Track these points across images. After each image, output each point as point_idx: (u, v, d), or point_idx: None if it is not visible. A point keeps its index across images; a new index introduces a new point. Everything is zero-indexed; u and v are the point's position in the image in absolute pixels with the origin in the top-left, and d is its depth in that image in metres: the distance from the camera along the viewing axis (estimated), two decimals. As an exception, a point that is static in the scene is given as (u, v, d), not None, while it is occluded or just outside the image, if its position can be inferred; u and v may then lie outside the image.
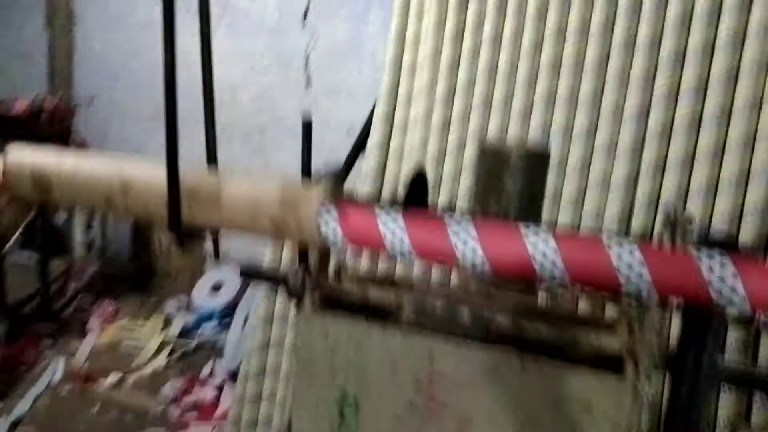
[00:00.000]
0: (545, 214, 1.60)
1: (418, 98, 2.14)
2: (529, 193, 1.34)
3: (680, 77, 1.87)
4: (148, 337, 3.74)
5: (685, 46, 1.86)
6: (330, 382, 1.14)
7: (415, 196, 1.09)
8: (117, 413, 2.96)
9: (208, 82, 1.08)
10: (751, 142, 1.81)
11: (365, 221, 0.90)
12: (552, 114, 1.98)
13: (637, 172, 1.91)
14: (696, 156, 1.86)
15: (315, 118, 4.06)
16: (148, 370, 3.39)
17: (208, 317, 3.85)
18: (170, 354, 3.57)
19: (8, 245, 4.67)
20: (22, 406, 2.95)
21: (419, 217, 0.90)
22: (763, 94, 1.79)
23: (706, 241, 0.94)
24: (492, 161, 1.37)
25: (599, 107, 1.95)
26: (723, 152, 1.83)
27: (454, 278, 1.79)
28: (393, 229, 0.87)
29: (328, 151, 3.59)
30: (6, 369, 3.24)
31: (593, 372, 0.95)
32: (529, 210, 1.37)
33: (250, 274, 1.45)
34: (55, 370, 3.31)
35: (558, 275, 0.92)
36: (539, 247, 0.87)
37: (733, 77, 1.82)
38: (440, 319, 1.11)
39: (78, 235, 4.81)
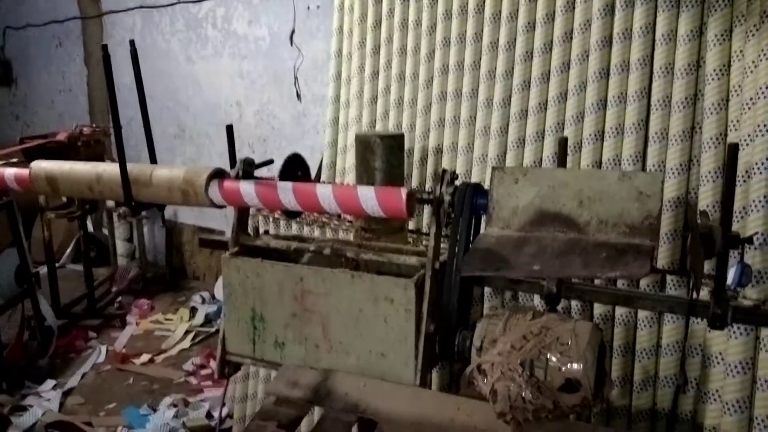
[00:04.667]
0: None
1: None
2: (388, 166, 1.84)
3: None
4: (176, 326, 4.36)
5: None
6: (244, 304, 1.65)
7: (292, 170, 1.57)
8: (147, 383, 3.56)
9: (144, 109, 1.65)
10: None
11: (233, 187, 1.42)
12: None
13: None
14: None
15: (305, 122, 4.55)
16: (174, 351, 4.01)
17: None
18: (194, 338, 4.18)
19: (63, 259, 5.43)
20: (71, 382, 3.59)
21: (263, 183, 1.41)
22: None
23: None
24: (361, 145, 1.88)
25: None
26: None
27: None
28: (247, 189, 1.39)
29: (319, 149, 4.10)
30: (60, 355, 3.91)
31: (395, 279, 1.44)
32: (391, 178, 1.86)
33: (205, 243, 2.00)
34: (98, 354, 3.96)
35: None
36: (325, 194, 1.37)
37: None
38: (310, 255, 1.63)
39: (120, 247, 5.51)
